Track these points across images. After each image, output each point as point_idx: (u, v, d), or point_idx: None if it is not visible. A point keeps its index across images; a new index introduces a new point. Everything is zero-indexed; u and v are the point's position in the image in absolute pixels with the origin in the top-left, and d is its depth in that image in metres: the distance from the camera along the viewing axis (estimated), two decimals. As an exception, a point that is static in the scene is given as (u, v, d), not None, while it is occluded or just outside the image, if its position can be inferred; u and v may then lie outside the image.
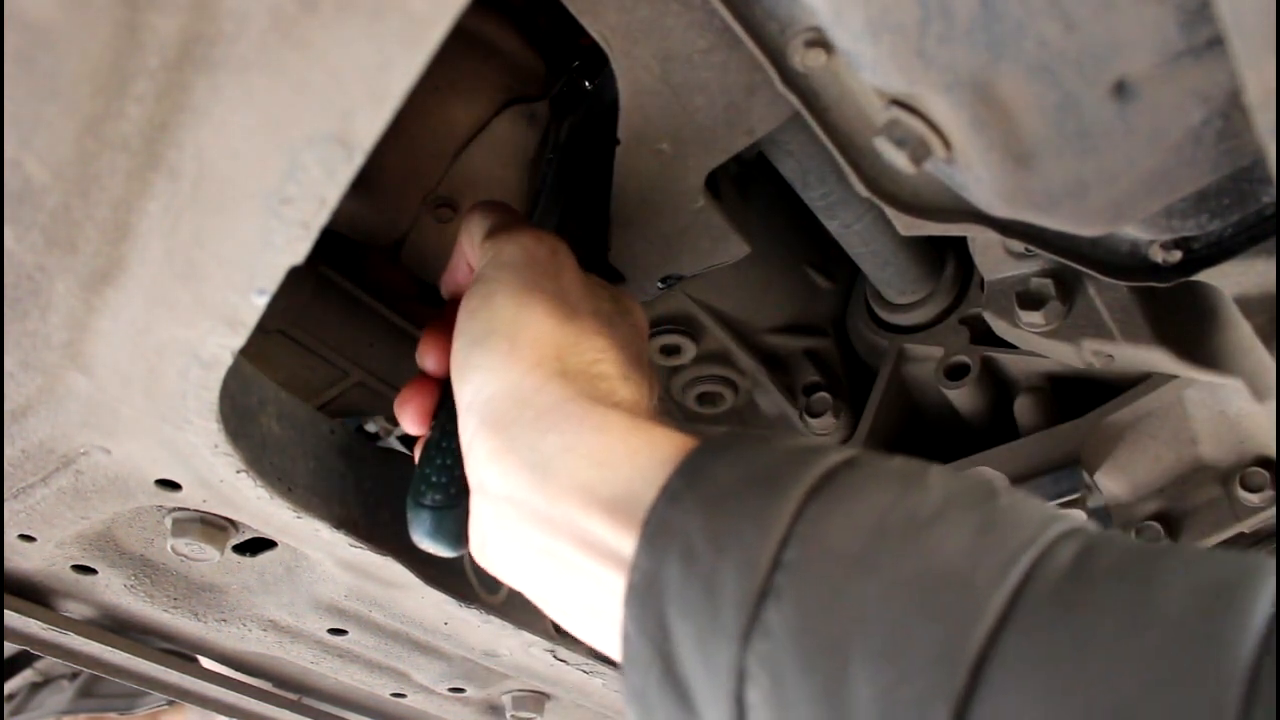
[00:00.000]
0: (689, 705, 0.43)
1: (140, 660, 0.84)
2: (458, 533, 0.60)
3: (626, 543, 0.46)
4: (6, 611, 0.75)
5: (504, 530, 0.52)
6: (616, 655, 0.47)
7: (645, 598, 0.44)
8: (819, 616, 0.40)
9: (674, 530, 0.44)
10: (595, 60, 0.72)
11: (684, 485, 0.46)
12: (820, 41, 0.52)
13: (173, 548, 0.71)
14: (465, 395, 0.55)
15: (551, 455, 0.50)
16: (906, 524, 0.41)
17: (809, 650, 0.39)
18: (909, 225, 0.62)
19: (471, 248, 0.62)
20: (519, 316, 0.55)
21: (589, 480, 0.48)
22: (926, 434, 0.98)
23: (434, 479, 0.61)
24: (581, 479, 0.49)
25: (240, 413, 0.63)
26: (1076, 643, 0.35)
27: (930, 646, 0.37)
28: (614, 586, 0.46)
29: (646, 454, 0.48)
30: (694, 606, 0.42)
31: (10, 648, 1.68)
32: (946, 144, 0.48)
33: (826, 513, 0.42)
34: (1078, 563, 0.38)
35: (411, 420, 0.64)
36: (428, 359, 0.63)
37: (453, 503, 0.60)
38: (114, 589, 0.78)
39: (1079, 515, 0.82)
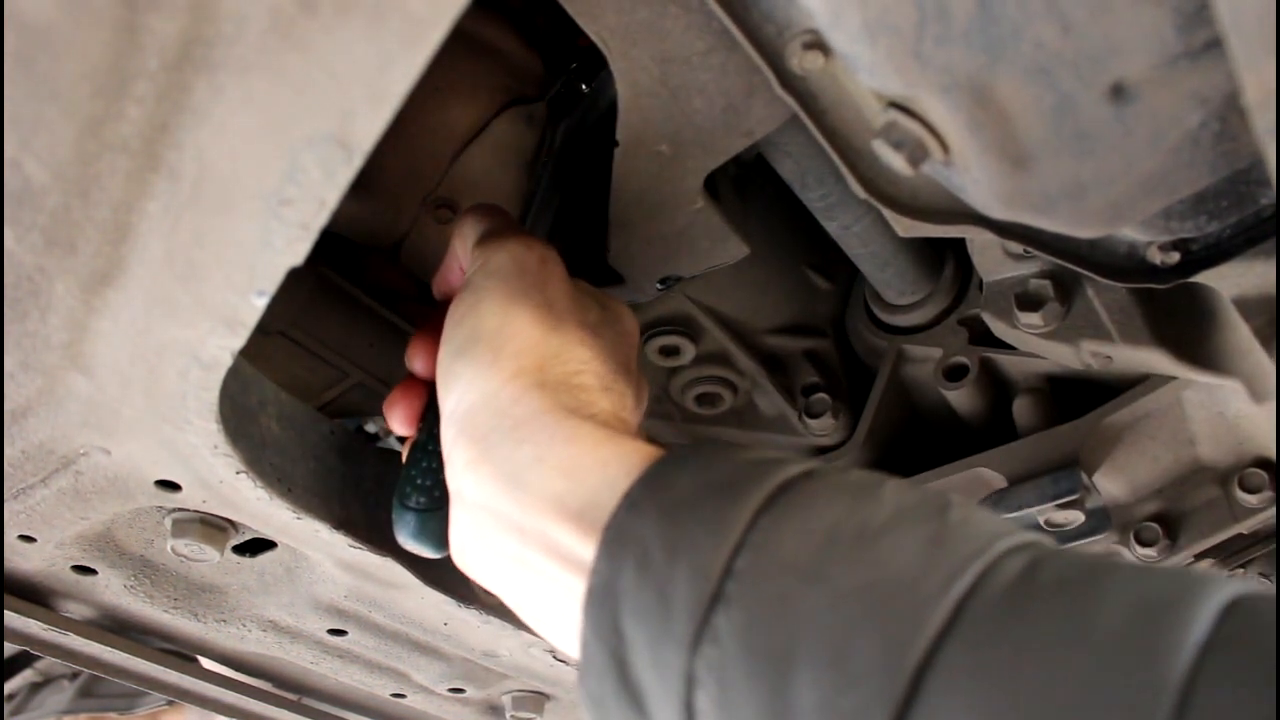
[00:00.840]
0: (643, 710, 0.43)
1: (140, 660, 0.84)
2: (442, 535, 0.60)
3: (590, 551, 0.46)
4: (6, 612, 0.75)
5: (480, 538, 0.53)
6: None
7: (602, 603, 0.44)
8: (766, 624, 0.40)
9: (631, 537, 0.45)
10: (593, 62, 0.72)
11: (643, 493, 0.46)
12: (818, 44, 0.52)
13: (172, 548, 0.71)
14: (448, 404, 0.56)
15: (524, 466, 0.50)
16: (857, 535, 0.42)
17: (754, 657, 0.40)
18: (907, 227, 0.63)
19: (464, 252, 0.63)
20: (503, 327, 0.55)
21: (559, 491, 0.49)
22: (925, 435, 0.98)
23: (419, 481, 0.61)
24: (552, 490, 0.49)
25: (240, 413, 0.63)
26: (1015, 653, 0.36)
27: (873, 655, 0.37)
28: (579, 594, 0.47)
29: (615, 465, 0.49)
30: (647, 612, 0.43)
31: (10, 648, 1.68)
32: (944, 146, 0.48)
33: (779, 522, 0.43)
34: (1023, 576, 0.38)
35: (399, 421, 0.65)
36: (416, 361, 0.63)
37: (436, 505, 0.60)
38: (114, 589, 0.78)
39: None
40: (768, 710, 0.39)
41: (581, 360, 0.56)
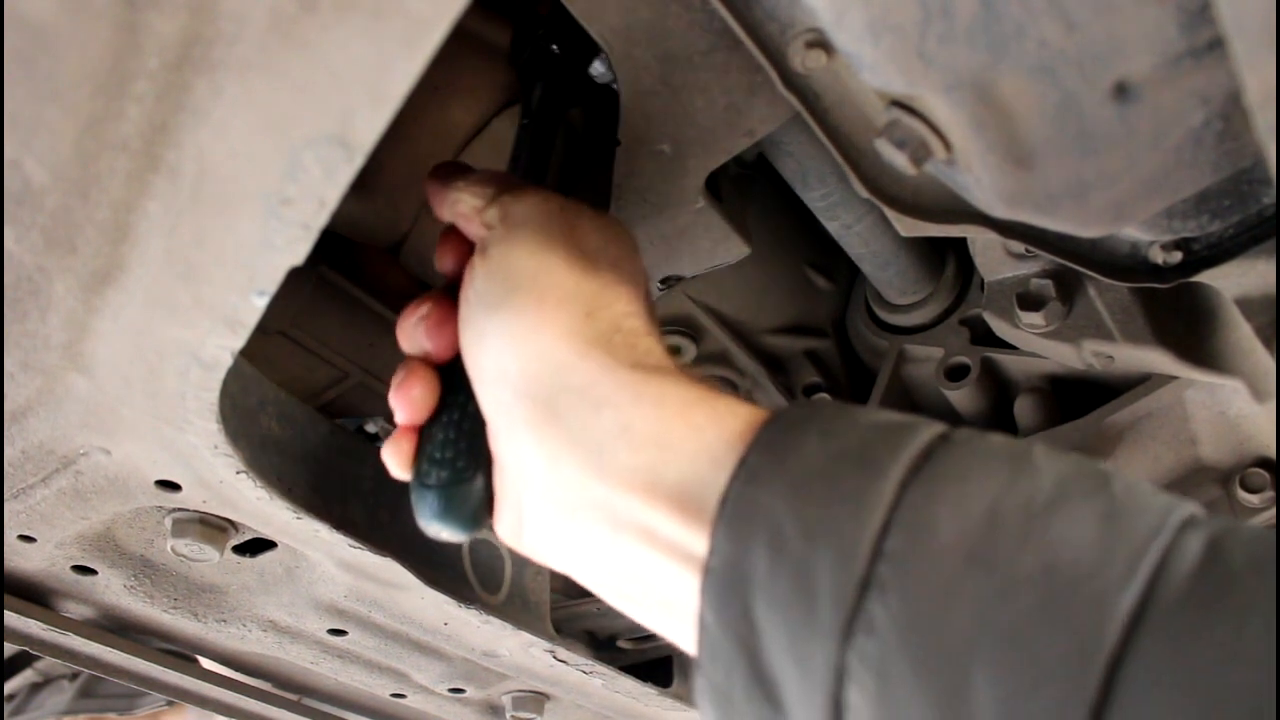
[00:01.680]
0: (777, 704, 0.40)
1: (140, 660, 0.84)
2: (469, 512, 0.54)
3: (695, 539, 0.43)
4: (6, 612, 0.75)
5: (549, 516, 0.49)
6: (686, 645, 0.44)
7: (728, 588, 0.40)
8: (931, 614, 0.36)
9: (757, 513, 0.41)
10: (558, 24, 0.70)
11: (764, 463, 0.42)
12: (821, 43, 0.52)
13: (173, 548, 0.71)
14: (485, 365, 0.51)
15: (607, 436, 0.46)
16: (1022, 513, 0.38)
17: (922, 650, 0.36)
18: (909, 226, 0.63)
19: (471, 217, 0.56)
20: (541, 274, 0.50)
21: (651, 464, 0.45)
22: (927, 435, 0.97)
23: (437, 456, 0.55)
24: (642, 462, 0.45)
25: (240, 413, 0.63)
26: (1219, 645, 0.33)
27: (1060, 650, 0.35)
28: (682, 580, 0.43)
29: (712, 431, 0.44)
30: (784, 598, 0.39)
31: (10, 648, 1.68)
32: (947, 145, 0.48)
33: (930, 497, 0.39)
34: (1210, 557, 0.35)
35: (417, 405, 0.56)
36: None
37: (460, 477, 0.54)
38: (114, 589, 0.78)
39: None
40: (942, 707, 0.36)
41: (626, 300, 0.52)
